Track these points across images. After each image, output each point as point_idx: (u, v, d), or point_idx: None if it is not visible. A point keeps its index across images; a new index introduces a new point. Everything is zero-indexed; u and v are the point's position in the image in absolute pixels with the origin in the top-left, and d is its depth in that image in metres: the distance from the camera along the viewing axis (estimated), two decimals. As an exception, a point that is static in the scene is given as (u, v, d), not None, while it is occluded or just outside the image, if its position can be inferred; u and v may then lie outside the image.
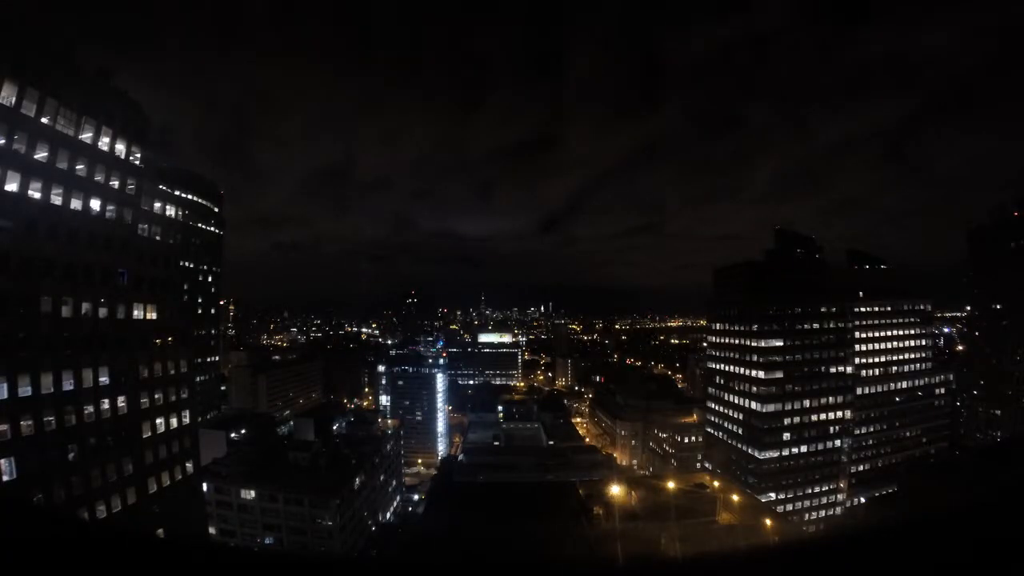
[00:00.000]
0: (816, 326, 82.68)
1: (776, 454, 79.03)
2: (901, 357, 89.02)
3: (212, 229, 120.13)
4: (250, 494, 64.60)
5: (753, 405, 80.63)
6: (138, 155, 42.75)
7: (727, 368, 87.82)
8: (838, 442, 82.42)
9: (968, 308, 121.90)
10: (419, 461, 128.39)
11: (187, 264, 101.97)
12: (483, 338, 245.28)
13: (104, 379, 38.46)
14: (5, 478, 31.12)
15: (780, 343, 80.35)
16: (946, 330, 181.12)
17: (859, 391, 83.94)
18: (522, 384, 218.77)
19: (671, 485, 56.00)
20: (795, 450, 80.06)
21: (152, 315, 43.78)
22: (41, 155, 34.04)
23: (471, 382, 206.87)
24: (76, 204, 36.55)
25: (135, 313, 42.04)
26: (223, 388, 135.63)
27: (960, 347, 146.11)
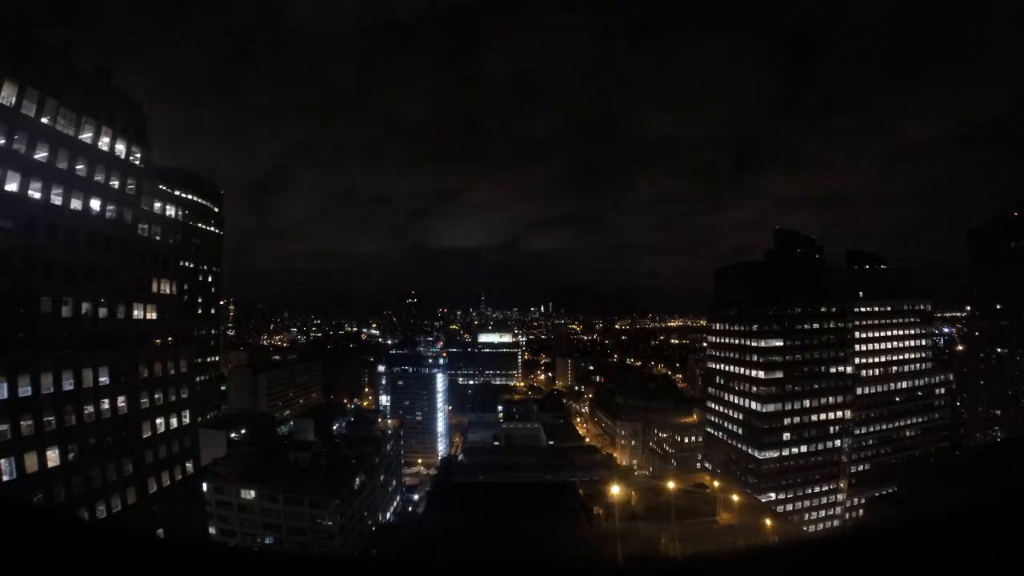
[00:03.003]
0: (816, 326, 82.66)
1: (776, 454, 79.02)
2: (901, 357, 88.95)
3: (212, 229, 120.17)
4: (250, 494, 64.59)
5: (753, 405, 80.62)
6: (138, 155, 42.74)
7: (727, 368, 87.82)
8: (838, 442, 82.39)
9: (968, 308, 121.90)
10: (419, 461, 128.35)
11: (187, 264, 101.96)
12: (483, 338, 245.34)
13: (104, 379, 38.43)
14: (5, 478, 31.12)
15: (780, 343, 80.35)
16: (946, 330, 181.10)
17: (859, 391, 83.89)
18: (522, 384, 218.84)
19: (671, 485, 55.97)
20: (795, 450, 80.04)
21: (152, 315, 43.76)
22: (41, 155, 34.02)
23: (471, 382, 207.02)
24: (76, 204, 36.52)
25: (135, 313, 42.02)
26: (223, 388, 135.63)
27: (960, 347, 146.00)
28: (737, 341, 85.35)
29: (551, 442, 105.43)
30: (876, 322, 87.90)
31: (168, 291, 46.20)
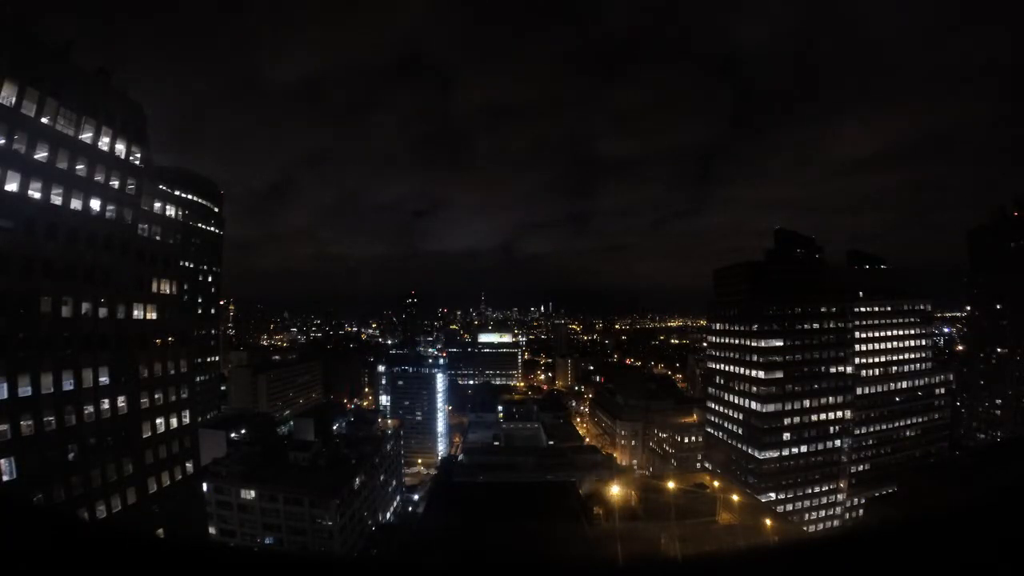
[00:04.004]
0: (816, 326, 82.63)
1: (776, 454, 79.01)
2: (901, 357, 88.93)
3: (212, 229, 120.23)
4: (250, 494, 64.59)
5: (753, 405, 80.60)
6: (138, 155, 42.73)
7: (727, 368, 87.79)
8: (838, 442, 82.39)
9: (968, 308, 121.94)
10: (419, 461, 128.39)
11: (187, 264, 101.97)
12: (483, 338, 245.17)
13: (104, 379, 38.42)
14: (5, 478, 31.11)
15: (780, 343, 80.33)
16: (946, 330, 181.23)
17: (859, 391, 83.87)
18: (522, 384, 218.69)
19: (671, 485, 55.97)
20: (795, 450, 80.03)
21: (152, 315, 43.75)
22: (41, 155, 34.00)
23: (471, 382, 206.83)
24: (76, 204, 36.51)
25: (135, 313, 42.01)
26: (223, 388, 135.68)
27: (960, 347, 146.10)
28: (737, 341, 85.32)
29: (551, 442, 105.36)
30: (876, 322, 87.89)
31: (168, 291, 46.18)
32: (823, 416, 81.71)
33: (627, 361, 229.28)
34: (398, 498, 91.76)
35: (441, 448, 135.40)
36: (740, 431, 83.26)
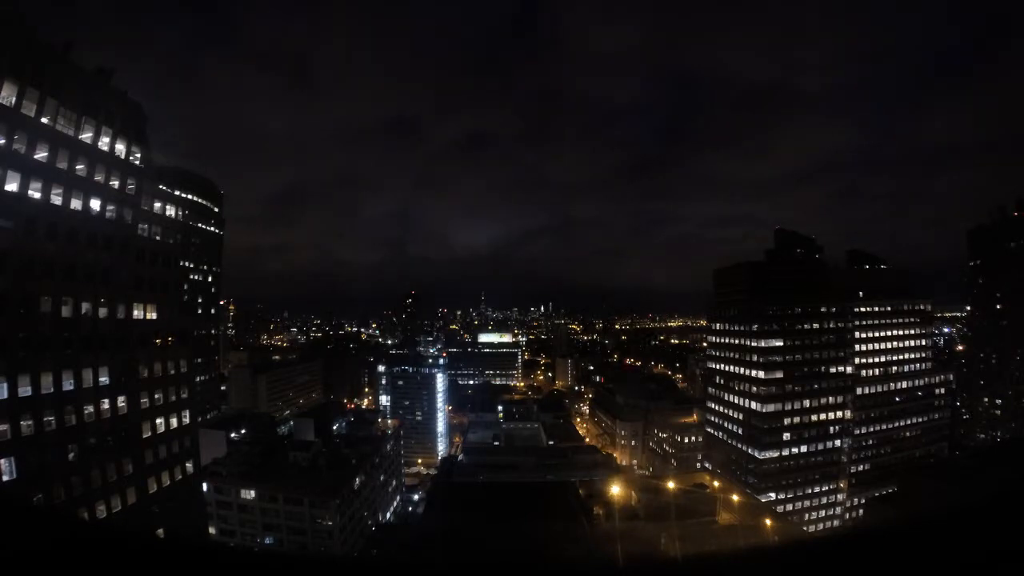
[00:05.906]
0: (816, 326, 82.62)
1: (776, 454, 79.00)
2: (901, 357, 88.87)
3: (212, 229, 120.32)
4: (250, 494, 64.61)
5: (753, 405, 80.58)
6: (138, 155, 42.74)
7: (727, 368, 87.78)
8: (838, 442, 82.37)
9: (968, 308, 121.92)
10: (419, 461, 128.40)
11: (187, 264, 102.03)
12: (483, 338, 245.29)
13: (104, 379, 38.42)
14: (5, 478, 31.11)
15: (780, 343, 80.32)
16: (946, 330, 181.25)
17: (859, 391, 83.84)
18: (522, 384, 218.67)
19: (671, 485, 55.99)
20: (795, 450, 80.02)
21: (152, 315, 43.75)
22: (41, 155, 34.00)
23: (471, 382, 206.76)
24: (76, 204, 36.51)
25: (135, 313, 42.01)
26: (223, 388, 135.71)
27: (960, 347, 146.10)
28: (737, 341, 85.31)
29: (551, 442, 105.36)
30: (876, 322, 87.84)
31: (168, 291, 46.19)
32: (823, 416, 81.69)
33: (627, 361, 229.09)
34: (398, 498, 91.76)
35: (441, 448, 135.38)
36: (740, 431, 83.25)
